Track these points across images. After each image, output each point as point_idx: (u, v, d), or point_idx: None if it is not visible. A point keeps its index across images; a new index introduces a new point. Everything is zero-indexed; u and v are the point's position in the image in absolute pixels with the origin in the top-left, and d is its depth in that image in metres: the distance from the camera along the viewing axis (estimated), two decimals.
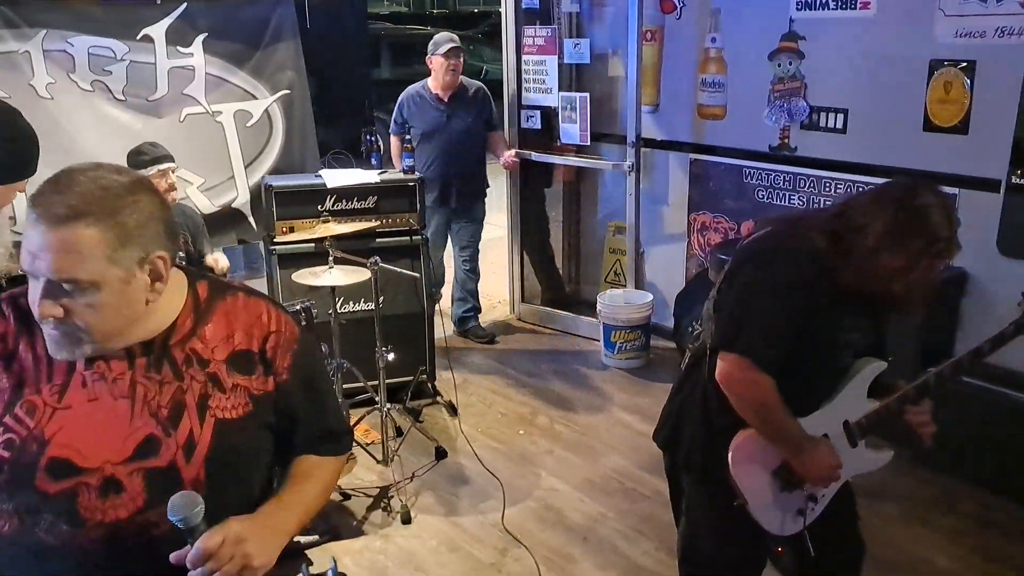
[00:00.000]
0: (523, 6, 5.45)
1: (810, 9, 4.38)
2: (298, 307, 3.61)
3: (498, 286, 6.28)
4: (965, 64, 3.83)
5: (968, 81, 3.83)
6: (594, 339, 5.36)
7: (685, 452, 2.33)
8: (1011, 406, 3.61)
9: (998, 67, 3.73)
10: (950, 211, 2.03)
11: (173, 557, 1.39)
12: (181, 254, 4.14)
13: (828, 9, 4.31)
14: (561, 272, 6.22)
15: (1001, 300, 3.90)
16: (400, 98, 5.02)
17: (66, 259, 1.34)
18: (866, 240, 2.02)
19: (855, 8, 4.20)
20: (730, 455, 2.20)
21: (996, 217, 3.77)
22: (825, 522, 2.33)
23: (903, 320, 2.26)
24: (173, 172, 3.97)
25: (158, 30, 4.36)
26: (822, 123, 4.44)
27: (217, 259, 4.15)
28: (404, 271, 3.97)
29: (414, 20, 18.53)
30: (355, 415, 4.21)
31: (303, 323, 3.60)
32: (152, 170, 3.91)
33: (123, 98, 4.38)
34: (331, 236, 3.87)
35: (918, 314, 2.21)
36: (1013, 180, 3.56)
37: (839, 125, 4.38)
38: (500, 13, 5.56)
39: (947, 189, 3.95)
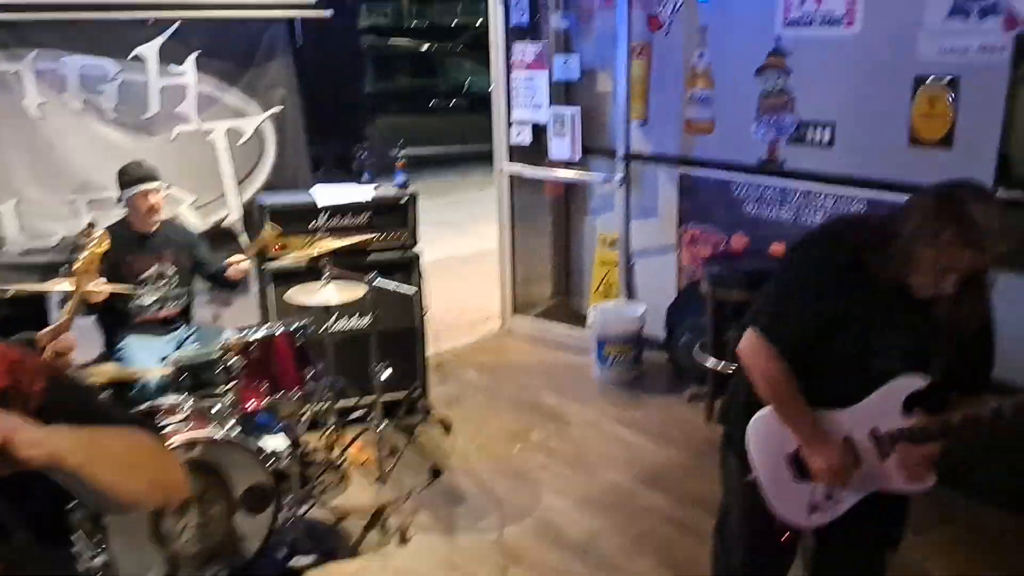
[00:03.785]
0: (512, 23, 5.49)
1: (796, 26, 4.44)
2: (294, 326, 3.61)
3: (489, 299, 6.30)
4: (949, 80, 3.90)
5: (952, 96, 3.90)
6: (586, 352, 5.38)
7: (730, 424, 2.41)
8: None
9: (981, 83, 3.79)
10: (991, 207, 1.95)
11: None
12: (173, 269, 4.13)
13: (814, 26, 4.37)
14: (552, 285, 6.26)
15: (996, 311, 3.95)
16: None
17: None
18: (903, 229, 1.99)
19: (840, 25, 4.26)
20: (748, 427, 2.28)
21: None
22: (842, 532, 2.30)
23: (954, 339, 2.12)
24: (158, 192, 3.97)
25: (151, 49, 4.37)
26: (809, 137, 4.50)
27: (239, 261, 4.16)
28: (400, 286, 3.98)
29: (394, 33, 18.58)
30: (349, 434, 4.21)
31: (299, 342, 3.61)
32: (135, 190, 3.92)
33: (115, 117, 4.38)
34: (327, 252, 3.88)
35: (966, 327, 2.08)
36: (999, 194, 3.61)
37: (826, 139, 4.44)
38: (479, 25, 5.59)
39: None
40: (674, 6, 4.98)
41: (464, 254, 8.03)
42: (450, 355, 5.55)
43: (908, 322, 2.11)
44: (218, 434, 3.23)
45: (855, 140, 4.33)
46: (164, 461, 1.56)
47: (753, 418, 2.28)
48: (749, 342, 2.21)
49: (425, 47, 15.41)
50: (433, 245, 7.92)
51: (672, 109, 5.14)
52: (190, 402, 3.42)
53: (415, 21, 25.79)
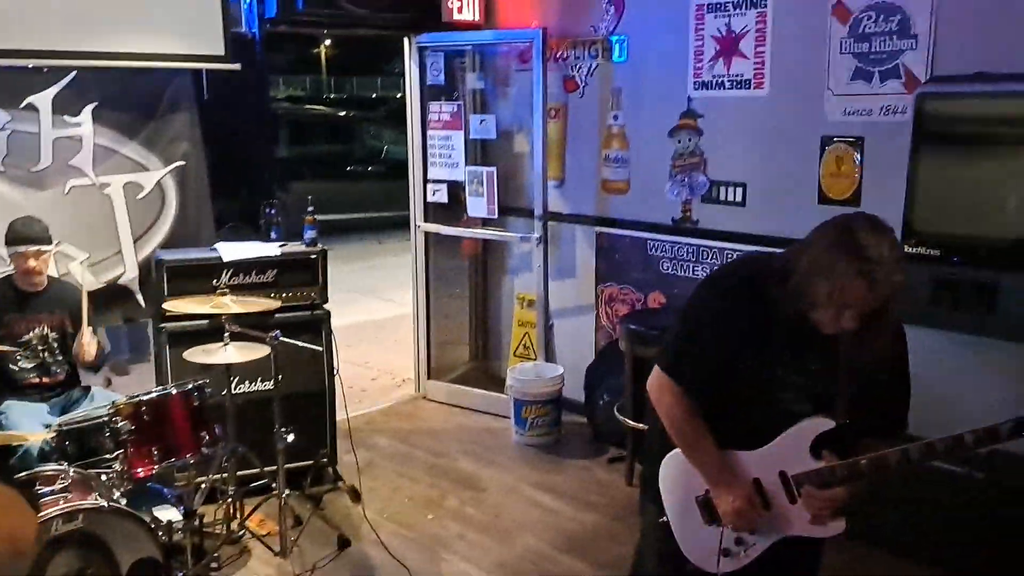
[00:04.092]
0: (428, 82, 5.46)
1: (707, 88, 4.52)
2: (189, 386, 3.38)
3: (403, 363, 6.12)
4: (854, 140, 3.99)
5: (858, 156, 3.99)
6: (504, 416, 5.23)
7: (645, 464, 2.38)
8: (928, 472, 3.64)
9: (885, 143, 3.89)
10: (884, 238, 1.88)
11: None
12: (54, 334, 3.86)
13: (724, 88, 4.45)
14: (470, 349, 6.12)
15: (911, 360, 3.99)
16: None
17: None
18: (800, 263, 1.94)
19: (749, 88, 4.35)
20: (661, 466, 2.24)
21: None
22: None
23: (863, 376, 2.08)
24: (39, 256, 3.75)
25: (44, 99, 4.14)
26: (722, 196, 4.54)
27: (86, 344, 3.79)
28: (307, 345, 3.79)
29: (312, 104, 18.56)
30: (249, 504, 3.95)
31: (196, 404, 3.38)
32: (13, 250, 3.71)
33: (2, 169, 4.12)
34: (227, 308, 3.67)
35: (871, 366, 2.03)
36: (906, 250, 3.66)
37: (738, 198, 4.48)
38: (397, 98, 5.54)
39: None
40: (589, 68, 5.03)
41: (380, 319, 7.87)
42: (361, 421, 5.32)
43: (813, 360, 2.07)
44: (102, 503, 2.95)
45: (766, 199, 4.38)
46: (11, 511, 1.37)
47: (666, 457, 2.23)
48: (655, 380, 2.20)
49: (342, 113, 15.41)
50: (348, 310, 7.80)
51: (588, 169, 5.15)
52: (73, 470, 3.14)
53: (334, 94, 25.92)
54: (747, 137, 4.41)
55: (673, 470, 2.23)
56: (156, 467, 3.23)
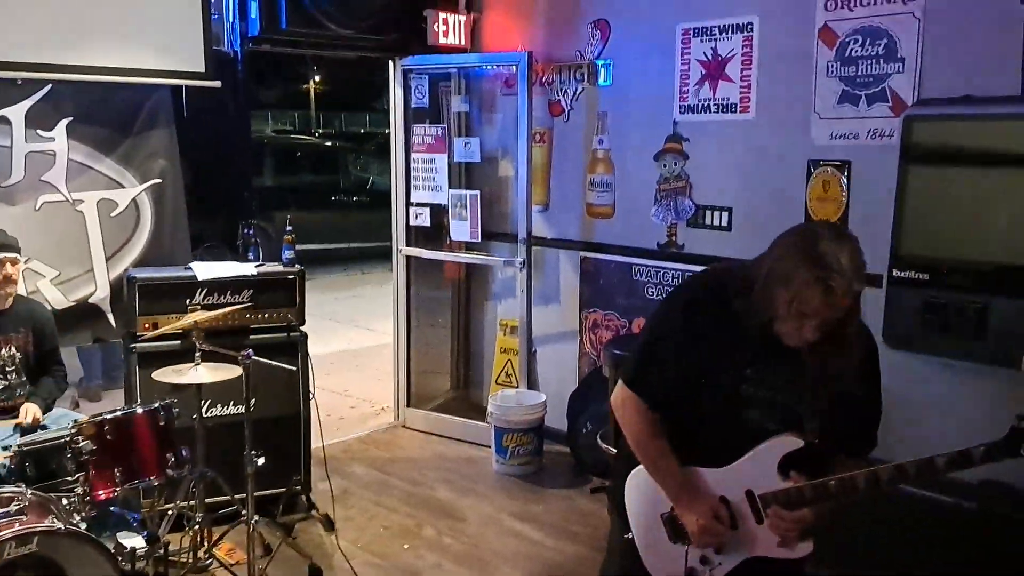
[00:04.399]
0: (412, 105, 5.41)
1: (692, 112, 4.48)
2: (155, 405, 3.25)
3: (383, 392, 5.99)
4: (841, 164, 3.95)
5: (845, 180, 3.94)
6: (485, 445, 5.11)
7: (613, 479, 2.31)
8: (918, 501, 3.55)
9: (872, 167, 3.85)
10: (844, 246, 1.84)
11: None
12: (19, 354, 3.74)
13: (709, 112, 4.41)
14: (452, 378, 6.00)
15: (891, 394, 3.90)
16: None
17: None
18: (762, 271, 1.90)
19: (735, 112, 4.31)
20: (627, 482, 2.20)
21: (878, 312, 3.80)
22: None
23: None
24: (14, 264, 3.64)
25: (17, 112, 4.04)
26: (708, 221, 4.48)
27: (27, 409, 3.64)
28: (280, 364, 3.66)
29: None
30: (217, 532, 3.80)
31: (162, 424, 3.25)
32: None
33: None
34: (198, 326, 3.56)
35: (836, 380, 1.96)
36: (895, 274, 3.61)
37: (724, 223, 4.43)
38: (385, 134, 5.48)
39: None
40: (574, 92, 4.99)
41: (360, 348, 7.75)
42: (338, 449, 5.18)
43: (780, 375, 2.01)
44: (59, 526, 2.81)
45: (752, 223, 4.33)
46: None
47: (631, 473, 2.19)
48: (618, 394, 2.17)
49: (329, 143, 15.38)
50: (330, 339, 7.70)
51: (573, 194, 5.09)
52: (31, 492, 3.00)
53: (322, 129, 25.97)
54: (733, 161, 4.37)
55: (638, 486, 2.19)
56: (118, 489, 3.09)
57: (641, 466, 2.15)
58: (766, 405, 2.02)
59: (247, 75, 4.79)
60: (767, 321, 1.91)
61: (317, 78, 24.46)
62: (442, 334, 5.98)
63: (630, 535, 2.20)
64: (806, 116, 4.03)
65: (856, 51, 3.82)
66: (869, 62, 3.79)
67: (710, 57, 4.34)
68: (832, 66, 3.91)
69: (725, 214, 4.42)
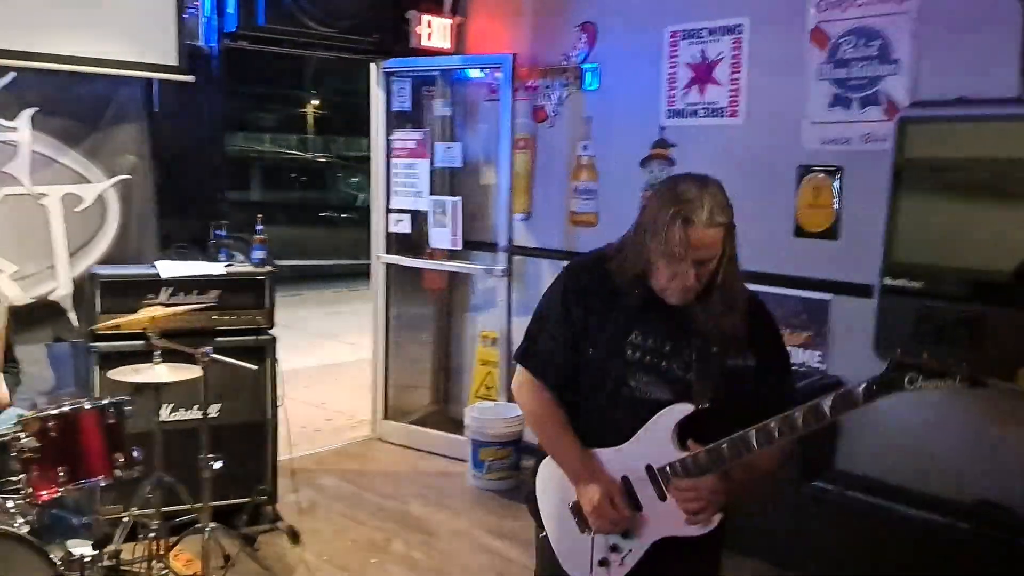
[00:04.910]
0: (394, 108, 5.27)
1: (680, 117, 4.36)
2: (105, 401, 3.06)
3: (361, 406, 5.80)
4: (832, 170, 3.82)
5: (836, 186, 3.81)
6: (462, 459, 4.92)
7: (530, 477, 2.23)
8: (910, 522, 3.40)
9: (864, 172, 3.72)
10: (706, 185, 1.90)
11: None
12: None
13: (697, 117, 4.29)
14: (431, 392, 5.82)
15: (884, 407, 3.74)
16: None
17: None
18: (634, 228, 1.96)
19: (723, 116, 4.20)
20: (536, 477, 2.15)
21: (870, 322, 3.66)
22: None
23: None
24: None
25: None
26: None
27: None
28: (241, 363, 3.48)
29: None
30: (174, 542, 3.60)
31: (112, 421, 3.06)
32: None
33: None
34: (155, 323, 3.38)
35: (725, 337, 1.94)
36: (887, 282, 3.47)
37: None
38: None
39: (820, 295, 3.91)
40: (559, 97, 4.87)
41: (342, 362, 7.55)
42: (311, 461, 4.99)
43: (666, 339, 1.97)
44: None
45: (740, 232, 4.10)
46: None
47: (540, 464, 2.14)
48: (515, 378, 2.15)
49: (322, 159, 15.27)
50: (312, 353, 7.51)
51: (556, 202, 4.96)
52: None
53: (319, 152, 25.92)
54: (721, 167, 4.10)
55: (547, 477, 2.12)
56: (61, 489, 2.89)
57: (549, 457, 2.09)
58: (653, 372, 1.97)
59: (223, 73, 4.65)
60: (646, 282, 1.93)
61: (316, 102, 24.52)
62: (423, 347, 5.82)
63: (543, 534, 2.13)
64: (796, 120, 3.92)
65: (849, 53, 3.71)
66: (862, 64, 3.67)
67: (699, 60, 4.23)
68: (824, 68, 3.80)
69: None
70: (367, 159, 5.36)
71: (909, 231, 3.44)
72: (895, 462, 3.74)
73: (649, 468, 1.97)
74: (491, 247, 5.11)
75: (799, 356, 4.02)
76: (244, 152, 13.77)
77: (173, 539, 3.56)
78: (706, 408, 1.93)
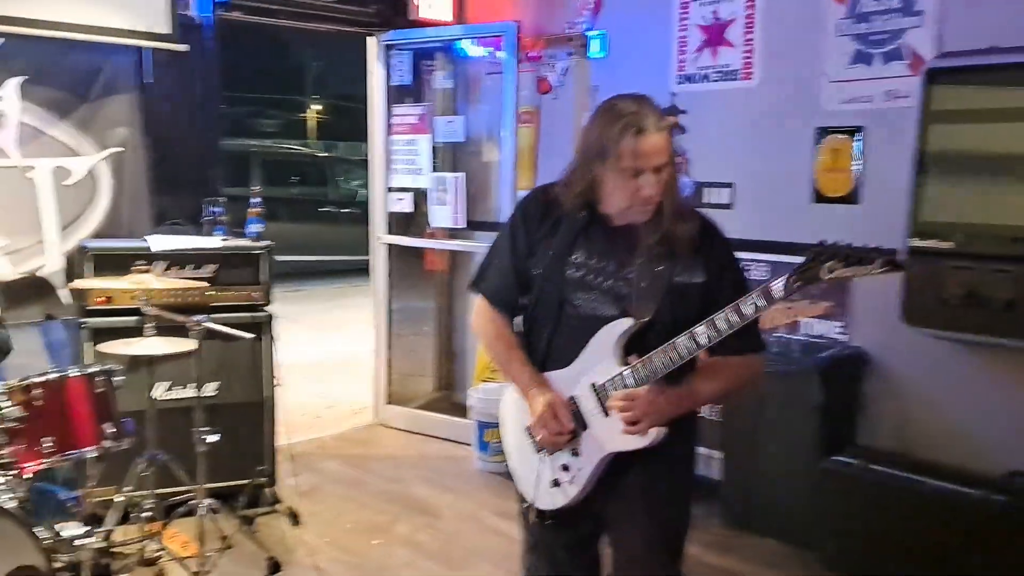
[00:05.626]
0: (393, 83, 5.12)
1: (691, 82, 4.21)
2: (93, 369, 2.91)
3: (363, 395, 5.64)
4: (852, 130, 3.67)
5: (857, 148, 3.66)
6: (467, 443, 4.76)
7: None
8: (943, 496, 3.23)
9: (887, 132, 3.57)
10: (643, 97, 1.97)
11: None
12: None
13: (709, 81, 4.14)
14: (435, 379, 5.66)
15: (908, 377, 3.61)
16: None
17: None
18: (577, 159, 2.00)
19: (736, 79, 4.05)
20: (500, 407, 2.18)
21: (895, 289, 3.50)
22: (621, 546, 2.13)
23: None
24: None
25: None
26: (707, 199, 4.17)
27: None
28: (236, 332, 3.32)
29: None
30: (172, 524, 3.43)
31: (100, 390, 2.90)
32: None
33: None
34: (148, 294, 3.23)
35: (678, 257, 1.96)
36: (914, 243, 3.31)
37: (724, 200, 4.13)
38: None
39: None
40: (564, 68, 4.72)
41: (343, 355, 7.36)
42: (312, 446, 4.84)
43: (606, 256, 1.99)
44: None
45: (755, 200, 4.04)
46: None
47: (503, 395, 2.17)
48: (474, 308, 2.17)
49: (322, 154, 15.11)
50: (314, 347, 7.34)
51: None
52: None
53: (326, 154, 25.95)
54: (734, 133, 4.08)
55: (508, 403, 2.16)
56: (46, 461, 2.74)
57: (511, 386, 2.12)
58: (596, 290, 1.99)
59: (217, 45, 4.49)
60: (592, 204, 1.97)
61: (319, 107, 24.57)
62: (425, 334, 5.66)
63: (526, 505, 2.15)
64: (814, 80, 3.77)
65: (869, 6, 3.56)
66: (884, 17, 3.52)
67: (710, 21, 4.07)
68: (843, 24, 3.65)
69: (726, 191, 4.13)
70: (367, 163, 5.27)
71: (937, 189, 3.28)
72: (921, 435, 3.59)
73: (592, 385, 1.99)
74: (494, 227, 4.94)
75: (818, 327, 3.87)
76: (244, 147, 13.58)
77: (174, 523, 3.40)
78: (652, 325, 1.93)
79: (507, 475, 4.38)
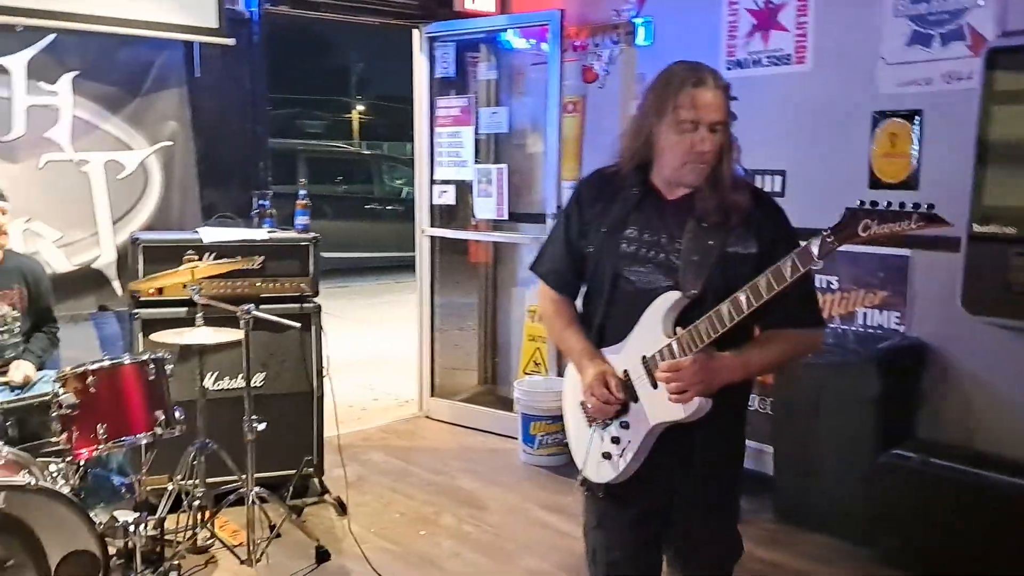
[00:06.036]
0: (437, 75, 5.11)
1: (741, 67, 4.13)
2: (145, 356, 2.93)
3: (406, 388, 5.64)
4: (910, 114, 3.56)
5: (915, 132, 3.55)
6: (512, 436, 4.73)
7: None
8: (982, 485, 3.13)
9: (947, 115, 3.46)
10: (697, 63, 1.98)
11: None
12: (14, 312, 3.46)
13: (761, 66, 4.06)
14: (479, 373, 5.65)
15: (970, 367, 3.49)
16: None
17: None
18: (633, 124, 2.01)
19: (789, 63, 3.96)
20: (563, 385, 2.19)
21: (956, 276, 3.39)
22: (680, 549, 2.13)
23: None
24: (4, 213, 3.36)
25: (17, 61, 3.80)
26: (759, 187, 4.08)
27: (18, 366, 3.33)
28: (285, 321, 3.32)
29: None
30: (222, 513, 3.46)
31: (152, 378, 2.93)
32: None
33: None
34: (198, 281, 3.25)
35: (731, 227, 1.93)
36: (975, 229, 3.20)
37: (777, 188, 4.04)
38: None
39: (898, 252, 3.66)
40: (610, 55, 4.66)
41: (388, 351, 7.38)
42: (357, 437, 4.85)
43: (658, 229, 1.98)
44: (28, 480, 2.49)
45: (809, 188, 3.94)
46: None
47: (565, 372, 2.18)
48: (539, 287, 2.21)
49: (367, 152, 15.20)
50: (359, 342, 7.38)
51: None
52: (7, 450, 2.71)
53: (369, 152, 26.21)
54: (787, 119, 3.99)
55: (567, 380, 2.16)
56: (101, 446, 2.77)
57: (571, 364, 2.13)
58: (650, 263, 1.98)
59: (264, 40, 4.52)
60: (645, 177, 1.99)
61: (361, 108, 24.79)
62: (469, 328, 5.65)
63: (586, 490, 2.15)
64: (871, 63, 3.66)
65: None
66: None
67: (761, 5, 3.99)
68: (900, 4, 3.54)
69: (778, 179, 4.04)
70: (411, 163, 5.28)
71: (1000, 173, 3.17)
72: (984, 428, 3.48)
73: (643, 357, 1.98)
74: (538, 218, 4.91)
75: (875, 318, 3.77)
76: (290, 146, 13.71)
77: (224, 512, 3.43)
78: (703, 298, 1.90)
79: (553, 469, 4.39)
